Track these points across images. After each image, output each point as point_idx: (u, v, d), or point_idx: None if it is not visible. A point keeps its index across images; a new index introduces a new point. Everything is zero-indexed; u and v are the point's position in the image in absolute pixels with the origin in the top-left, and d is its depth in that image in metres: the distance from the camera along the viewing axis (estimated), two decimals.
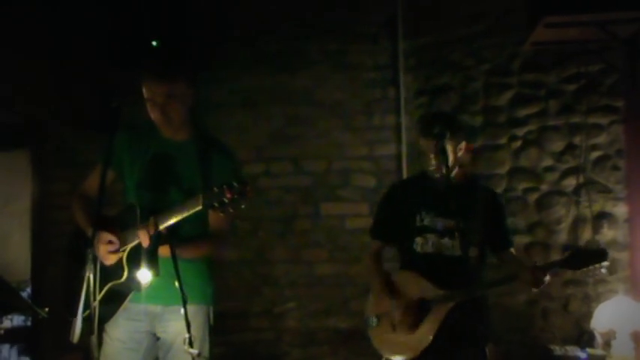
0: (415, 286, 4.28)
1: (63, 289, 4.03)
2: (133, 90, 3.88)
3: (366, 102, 6.58)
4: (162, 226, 3.58)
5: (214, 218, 3.86)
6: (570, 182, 6.30)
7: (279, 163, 6.64)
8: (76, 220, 4.05)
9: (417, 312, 4.22)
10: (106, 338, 3.94)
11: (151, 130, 3.95)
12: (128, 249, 3.73)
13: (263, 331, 6.54)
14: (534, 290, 4.11)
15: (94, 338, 3.30)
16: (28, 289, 6.77)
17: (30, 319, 6.60)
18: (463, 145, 4.30)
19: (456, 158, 4.25)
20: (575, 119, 6.30)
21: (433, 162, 4.19)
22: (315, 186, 6.59)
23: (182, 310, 3.46)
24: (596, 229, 6.20)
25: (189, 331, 3.43)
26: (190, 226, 3.76)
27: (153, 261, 3.66)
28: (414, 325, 4.22)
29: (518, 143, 6.39)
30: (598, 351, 5.75)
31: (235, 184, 3.32)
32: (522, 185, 6.35)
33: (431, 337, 4.12)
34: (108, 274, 3.71)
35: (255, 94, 6.66)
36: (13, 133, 6.87)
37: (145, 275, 3.65)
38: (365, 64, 6.61)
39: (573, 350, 5.79)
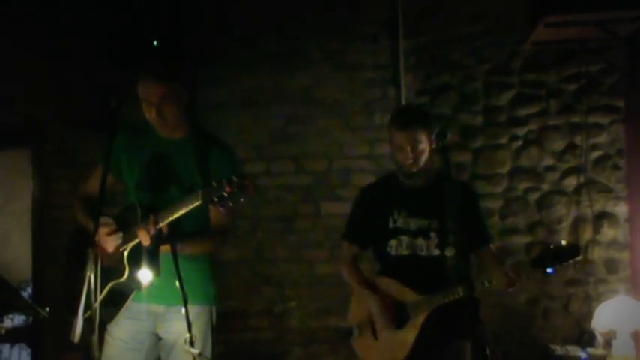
0: (392, 292, 4.21)
1: (64, 289, 4.04)
2: (132, 90, 3.87)
3: (367, 101, 6.58)
4: (162, 224, 3.59)
5: (215, 213, 3.86)
6: (571, 182, 6.30)
7: (279, 163, 6.64)
8: (78, 219, 4.07)
9: (396, 318, 4.16)
10: (108, 338, 3.94)
11: (148, 130, 3.95)
12: (129, 248, 3.73)
13: (263, 330, 6.54)
14: (510, 290, 3.95)
15: (94, 338, 3.30)
16: (29, 289, 6.77)
17: (31, 318, 6.60)
18: (434, 139, 4.16)
19: (431, 150, 4.15)
20: (576, 119, 6.31)
21: (410, 155, 4.09)
22: (315, 185, 6.59)
23: (184, 310, 3.46)
24: (597, 229, 6.21)
25: (189, 330, 3.43)
26: (191, 223, 3.76)
27: (154, 260, 3.67)
28: (395, 332, 4.15)
29: (519, 143, 6.39)
30: (598, 351, 5.75)
31: (234, 178, 3.33)
32: (523, 185, 6.35)
33: (411, 344, 4.06)
34: (109, 273, 3.72)
35: (255, 94, 6.66)
36: (14, 132, 6.88)
37: (145, 275, 3.65)
38: (365, 64, 6.61)
39: (574, 350, 5.80)
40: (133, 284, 3.74)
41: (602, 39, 5.92)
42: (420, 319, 4.06)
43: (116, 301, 3.82)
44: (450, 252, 4.03)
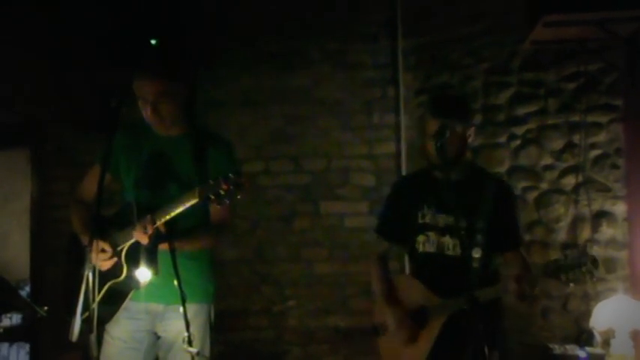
0: (413, 294, 4.10)
1: (62, 288, 4.04)
2: (132, 90, 3.88)
3: (366, 101, 6.58)
4: (159, 222, 3.59)
5: (215, 209, 3.86)
6: (569, 181, 6.29)
7: (278, 162, 6.64)
8: (74, 226, 4.07)
9: (415, 323, 4.05)
10: (107, 338, 3.95)
11: (145, 129, 3.96)
12: (126, 247, 3.74)
13: (262, 329, 6.54)
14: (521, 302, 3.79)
15: (92, 337, 3.30)
16: (27, 288, 6.78)
17: (29, 317, 6.60)
18: (472, 130, 4.06)
19: (465, 144, 4.01)
20: (575, 118, 6.30)
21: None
22: (314, 185, 6.59)
23: (181, 309, 3.46)
24: (596, 228, 6.21)
25: (188, 329, 3.43)
26: (190, 220, 3.76)
27: (152, 259, 3.68)
28: (413, 336, 4.05)
29: (518, 142, 6.38)
30: (597, 350, 5.74)
31: (231, 175, 3.33)
32: (521, 184, 6.34)
33: (428, 350, 3.96)
34: (107, 273, 3.73)
35: (255, 94, 6.67)
36: (13, 132, 6.88)
37: (144, 274, 3.66)
38: (365, 63, 6.61)
39: (572, 349, 5.78)
40: (132, 283, 3.74)
41: (601, 38, 5.91)
42: (436, 325, 3.96)
43: (114, 300, 3.82)
44: (477, 253, 3.90)
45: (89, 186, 3.95)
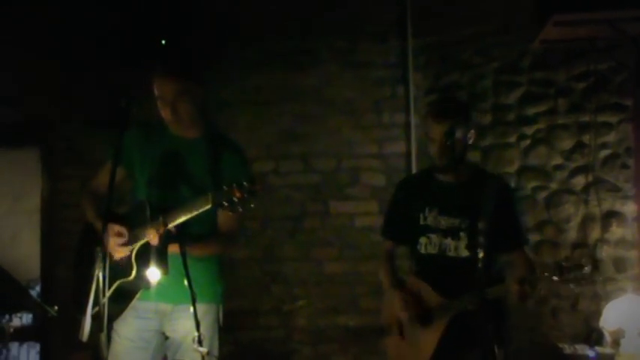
0: (419, 294, 4.14)
1: (72, 288, 4.04)
2: (142, 89, 3.88)
3: (376, 100, 6.58)
4: (171, 225, 3.59)
5: (223, 217, 3.88)
6: (579, 181, 6.29)
7: (288, 161, 6.65)
8: (86, 215, 4.07)
9: (421, 322, 4.09)
10: (115, 337, 3.95)
11: (162, 128, 3.97)
12: (137, 247, 3.74)
13: (272, 329, 6.54)
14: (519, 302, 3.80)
15: (103, 336, 3.30)
16: (38, 288, 6.78)
17: (39, 317, 6.61)
18: (472, 133, 4.13)
19: (466, 146, 4.08)
20: (585, 117, 6.30)
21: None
22: (324, 184, 6.59)
23: (191, 309, 3.46)
24: (605, 228, 6.20)
25: (198, 329, 3.43)
26: (199, 225, 3.76)
27: (162, 260, 3.68)
28: (419, 336, 4.10)
29: (528, 142, 6.38)
30: (607, 349, 5.73)
31: (245, 182, 3.33)
32: (531, 184, 6.34)
33: (433, 350, 4.00)
34: (117, 272, 3.72)
35: (264, 93, 6.67)
36: (23, 131, 6.89)
37: (154, 274, 3.66)
38: (374, 63, 6.61)
39: (582, 349, 5.78)
40: (141, 283, 3.75)
41: (611, 37, 5.92)
42: (442, 323, 4.00)
43: (122, 299, 3.82)
44: (479, 254, 3.75)
45: (103, 180, 3.92)
